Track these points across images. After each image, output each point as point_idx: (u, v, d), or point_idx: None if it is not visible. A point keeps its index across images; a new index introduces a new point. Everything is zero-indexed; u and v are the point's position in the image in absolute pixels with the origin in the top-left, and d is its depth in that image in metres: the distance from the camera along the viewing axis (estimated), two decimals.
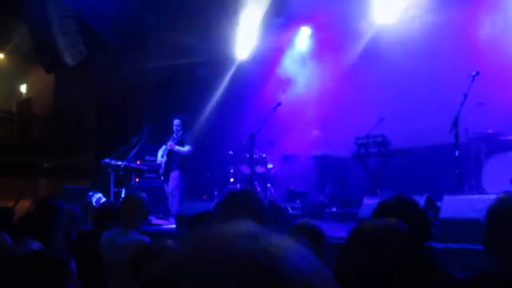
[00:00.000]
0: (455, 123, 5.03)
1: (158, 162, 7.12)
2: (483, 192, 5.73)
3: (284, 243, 0.47)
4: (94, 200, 6.73)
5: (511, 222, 1.64)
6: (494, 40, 6.97)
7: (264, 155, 8.24)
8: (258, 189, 7.98)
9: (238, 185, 8.12)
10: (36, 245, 2.33)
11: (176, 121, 7.04)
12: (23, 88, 16.94)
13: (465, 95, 5.18)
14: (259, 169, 8.07)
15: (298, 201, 7.80)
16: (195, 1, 8.68)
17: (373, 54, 8.90)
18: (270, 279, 0.43)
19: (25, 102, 16.77)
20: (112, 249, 3.16)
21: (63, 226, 2.65)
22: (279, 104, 6.59)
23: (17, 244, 2.27)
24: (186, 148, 6.91)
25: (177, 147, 6.85)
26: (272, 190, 8.20)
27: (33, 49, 11.58)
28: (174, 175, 6.89)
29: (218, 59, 10.00)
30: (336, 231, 4.50)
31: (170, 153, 6.90)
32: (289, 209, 7.14)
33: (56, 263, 1.58)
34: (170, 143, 6.86)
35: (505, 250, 1.65)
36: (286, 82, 9.44)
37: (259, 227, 0.49)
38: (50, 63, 10.90)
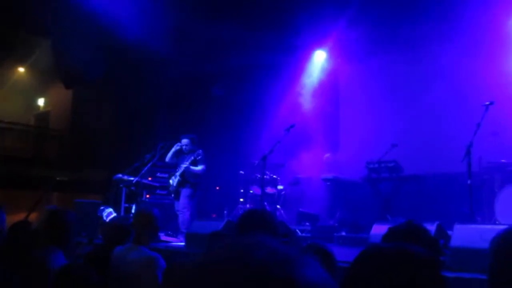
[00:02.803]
0: (468, 152, 5.01)
1: (167, 160, 7.08)
2: (495, 222, 5.66)
3: (298, 257, 0.50)
4: (105, 214, 6.77)
5: None
6: (508, 70, 6.98)
7: (275, 176, 8.25)
8: (268, 210, 7.97)
9: (248, 205, 8.12)
10: (61, 256, 2.39)
11: (185, 141, 7.06)
12: (41, 102, 17.26)
13: (478, 125, 5.18)
14: (269, 190, 8.07)
15: (307, 224, 7.76)
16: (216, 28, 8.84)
17: (388, 79, 8.97)
18: None
19: (42, 116, 17.05)
20: (122, 264, 3.19)
21: (75, 238, 2.70)
22: (293, 126, 6.62)
23: (44, 255, 2.33)
24: (200, 167, 6.92)
25: (191, 167, 6.86)
26: (282, 211, 8.18)
27: (53, 64, 11.86)
28: (185, 193, 6.90)
29: (233, 80, 10.14)
30: (345, 256, 4.47)
31: (184, 173, 6.91)
32: (298, 231, 7.12)
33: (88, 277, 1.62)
34: (185, 164, 6.85)
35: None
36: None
37: (276, 241, 0.53)
38: (69, 78, 11.14)
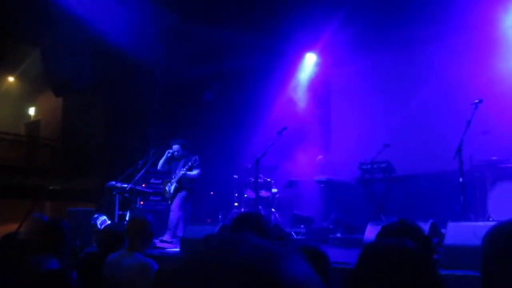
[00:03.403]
0: (459, 150, 5.05)
1: (159, 167, 7.12)
2: (489, 219, 5.70)
3: (282, 253, 0.51)
4: (99, 222, 6.74)
5: (507, 249, 1.65)
6: (498, 68, 7.06)
7: (269, 180, 8.26)
8: (263, 213, 7.97)
9: (242, 209, 8.11)
10: (54, 262, 2.38)
11: (175, 146, 7.12)
12: (31, 111, 17.16)
13: (468, 122, 5.23)
14: (263, 193, 8.08)
15: (302, 226, 7.77)
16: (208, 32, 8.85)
17: (379, 81, 9.03)
18: (266, 284, 0.46)
19: (33, 125, 16.95)
20: (117, 271, 3.17)
21: (69, 246, 2.69)
22: (285, 128, 6.64)
23: (38, 262, 2.33)
24: (195, 172, 6.98)
25: (188, 173, 6.91)
26: (277, 214, 8.18)
27: (43, 73, 11.81)
28: (181, 195, 6.93)
29: (224, 84, 10.15)
30: (341, 257, 4.48)
31: (180, 180, 6.95)
32: (293, 234, 7.12)
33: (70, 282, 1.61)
34: (182, 171, 6.89)
35: (503, 279, 1.65)
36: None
37: (261, 239, 0.53)
38: (59, 86, 11.09)
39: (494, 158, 6.35)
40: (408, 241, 1.36)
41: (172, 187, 6.95)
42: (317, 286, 0.50)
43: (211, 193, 9.27)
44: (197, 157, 7.01)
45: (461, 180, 5.03)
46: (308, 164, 8.74)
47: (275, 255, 0.50)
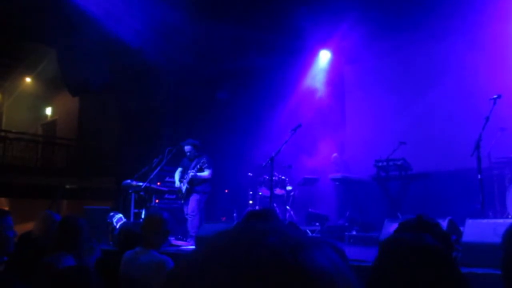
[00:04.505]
0: (477, 147, 4.96)
1: (176, 186, 7.18)
2: (508, 217, 5.60)
3: (311, 244, 0.50)
4: (114, 220, 6.79)
5: None
6: None
7: (283, 178, 8.24)
8: (277, 211, 7.96)
9: (257, 207, 8.11)
10: (71, 260, 2.41)
11: (187, 148, 7.13)
12: (48, 111, 17.40)
13: (487, 118, 5.13)
14: (278, 191, 8.06)
15: (317, 224, 7.74)
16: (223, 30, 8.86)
17: (394, 77, 8.93)
18: (294, 274, 0.45)
19: (50, 125, 17.19)
20: (133, 268, 3.19)
21: (86, 243, 2.71)
22: (300, 125, 6.60)
23: (54, 261, 2.35)
24: (206, 172, 6.95)
25: (198, 173, 6.90)
26: (292, 212, 8.16)
27: (59, 73, 11.95)
28: (195, 197, 6.93)
29: (238, 83, 10.15)
30: (356, 255, 4.45)
31: (192, 181, 6.95)
32: (309, 232, 7.09)
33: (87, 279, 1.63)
34: (192, 172, 6.89)
35: None
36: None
37: (288, 227, 0.52)
38: (75, 87, 11.21)
39: None
40: (427, 236, 1.33)
41: (184, 188, 6.97)
42: (347, 276, 0.49)
43: (226, 191, 9.29)
44: (206, 158, 6.97)
45: (479, 177, 4.94)
46: (323, 162, 8.70)
47: (304, 245, 0.49)
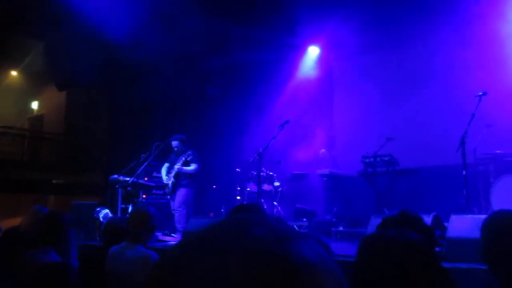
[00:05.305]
0: (462, 142, 5.03)
1: (164, 181, 7.17)
2: None
3: (297, 235, 0.50)
4: (101, 216, 6.75)
5: (505, 237, 1.66)
6: (502, 60, 7.01)
7: (271, 173, 8.26)
8: (265, 207, 7.98)
9: (245, 203, 8.12)
10: (54, 255, 2.39)
11: (174, 143, 7.12)
12: (35, 105, 17.20)
13: (473, 115, 5.19)
14: (266, 187, 8.08)
15: (305, 220, 7.77)
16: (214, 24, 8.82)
17: (382, 74, 8.98)
18: (279, 264, 0.45)
19: (36, 119, 17.00)
20: (119, 263, 3.18)
21: (71, 238, 2.69)
22: (287, 121, 6.62)
23: (38, 256, 2.33)
24: (193, 167, 6.95)
25: (184, 168, 6.90)
26: (279, 208, 8.19)
27: (46, 67, 11.81)
28: (181, 192, 6.93)
29: (227, 78, 10.13)
30: (343, 250, 4.48)
31: (177, 175, 6.95)
32: (296, 227, 7.12)
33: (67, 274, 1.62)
34: (177, 165, 6.90)
35: (502, 266, 1.65)
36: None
37: (275, 220, 0.53)
38: (62, 81, 11.09)
39: (498, 151, 6.32)
40: (409, 232, 1.34)
41: (170, 182, 6.97)
42: (333, 269, 0.49)
43: (214, 186, 9.29)
44: (191, 152, 6.99)
45: (464, 173, 5.00)
46: (311, 158, 8.73)
47: (291, 236, 0.49)
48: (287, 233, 0.49)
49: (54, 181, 12.71)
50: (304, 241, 0.49)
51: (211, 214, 8.67)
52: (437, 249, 3.73)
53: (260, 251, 0.46)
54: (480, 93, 5.43)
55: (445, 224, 4.25)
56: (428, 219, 4.08)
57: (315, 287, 0.46)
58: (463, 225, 3.90)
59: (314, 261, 0.47)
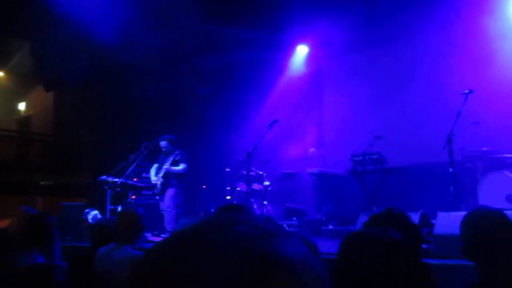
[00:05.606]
0: (449, 140, 5.08)
1: (152, 182, 7.15)
2: None
3: (280, 233, 0.51)
4: (90, 217, 6.71)
5: (484, 235, 1.69)
6: (488, 58, 7.08)
7: (261, 173, 8.26)
8: (255, 206, 7.98)
9: (234, 202, 8.11)
10: (39, 257, 2.37)
11: (163, 143, 7.11)
12: (22, 106, 17.01)
13: (459, 113, 5.25)
14: (256, 186, 8.08)
15: (295, 219, 7.79)
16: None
17: (370, 73, 9.03)
18: (261, 261, 0.46)
19: (24, 120, 16.81)
20: (107, 264, 3.17)
21: (56, 240, 2.67)
22: (276, 121, 6.63)
23: (20, 257, 2.31)
24: (181, 166, 6.95)
25: (172, 167, 6.88)
26: (269, 207, 8.20)
27: (33, 68, 11.69)
28: (170, 192, 6.91)
29: (217, 78, 10.11)
30: (333, 248, 4.49)
31: (166, 175, 6.92)
32: (286, 227, 7.14)
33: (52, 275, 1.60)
34: (165, 165, 6.88)
35: (482, 260, 1.68)
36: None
37: (259, 217, 0.53)
38: (50, 81, 10.99)
39: (485, 148, 6.39)
40: (391, 230, 1.35)
41: (159, 183, 6.95)
42: (314, 267, 0.50)
43: (204, 186, 9.27)
44: (179, 151, 6.98)
45: (451, 170, 5.06)
46: (300, 157, 8.75)
47: (273, 234, 0.49)
48: (269, 231, 0.50)
49: (42, 183, 12.56)
50: (286, 239, 0.50)
51: (201, 214, 8.65)
52: (424, 246, 3.76)
53: (242, 248, 0.46)
54: (467, 91, 5.49)
55: (433, 221, 4.28)
56: (415, 216, 4.11)
57: (296, 284, 0.46)
58: (450, 222, 3.93)
59: (295, 259, 0.48)
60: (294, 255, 0.48)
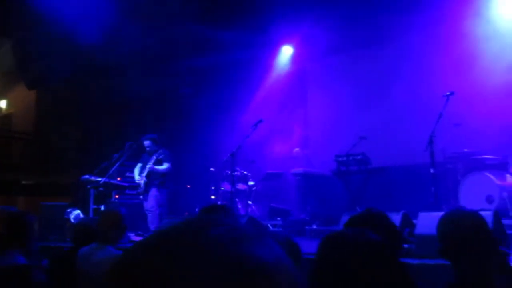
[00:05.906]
0: (430, 141, 5.15)
1: (136, 181, 7.10)
2: None
3: (256, 236, 0.50)
4: (72, 216, 6.62)
5: (460, 236, 1.73)
6: (468, 62, 7.19)
7: (245, 173, 8.27)
8: (239, 206, 7.98)
9: (219, 202, 8.10)
10: (19, 258, 2.33)
11: (146, 142, 7.08)
12: (3, 104, 16.73)
13: (440, 114, 5.33)
14: (240, 186, 8.09)
15: (279, 219, 7.81)
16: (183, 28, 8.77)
17: (354, 74, 9.10)
18: (233, 265, 0.46)
19: (5, 118, 16.54)
20: (88, 264, 3.14)
21: (35, 240, 2.63)
22: (261, 121, 6.64)
23: (2, 257, 2.28)
24: (165, 166, 6.92)
25: (156, 167, 6.84)
26: (254, 207, 8.21)
27: (15, 65, 11.50)
28: (153, 192, 6.88)
29: (201, 78, 10.08)
30: (316, 248, 4.52)
31: (150, 174, 6.88)
32: (270, 226, 7.15)
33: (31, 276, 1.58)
34: (149, 164, 6.84)
35: (458, 260, 1.72)
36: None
37: (234, 220, 0.53)
38: (32, 79, 10.83)
39: (466, 150, 6.50)
40: (368, 231, 1.37)
41: (142, 182, 6.91)
42: (288, 269, 0.50)
43: (188, 186, 9.24)
44: (162, 150, 6.95)
45: (432, 171, 5.13)
46: (285, 157, 8.78)
47: (247, 237, 0.49)
48: (244, 234, 0.50)
49: (23, 182, 12.39)
50: (261, 241, 0.50)
51: (186, 214, 8.62)
52: (405, 246, 3.82)
53: (214, 252, 0.46)
54: (448, 93, 5.58)
55: (415, 221, 4.34)
56: (397, 217, 4.16)
57: (269, 287, 0.46)
58: (431, 222, 3.98)
59: (269, 262, 0.47)
60: (268, 258, 0.48)
